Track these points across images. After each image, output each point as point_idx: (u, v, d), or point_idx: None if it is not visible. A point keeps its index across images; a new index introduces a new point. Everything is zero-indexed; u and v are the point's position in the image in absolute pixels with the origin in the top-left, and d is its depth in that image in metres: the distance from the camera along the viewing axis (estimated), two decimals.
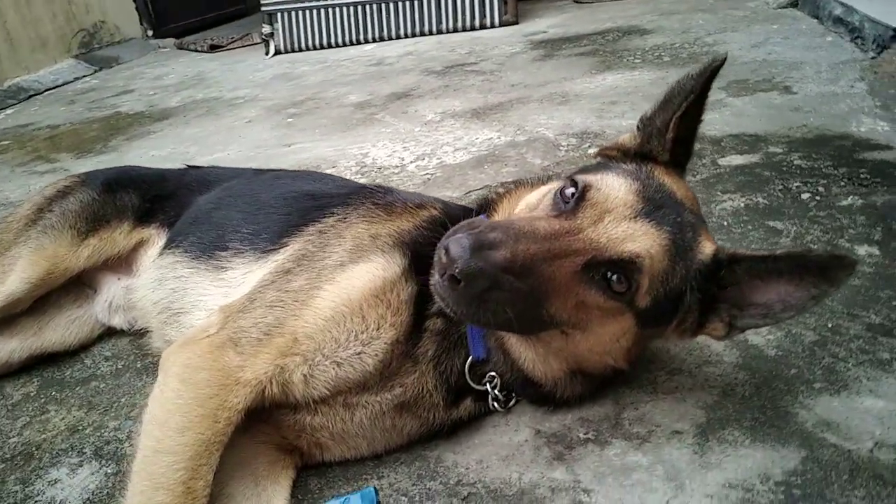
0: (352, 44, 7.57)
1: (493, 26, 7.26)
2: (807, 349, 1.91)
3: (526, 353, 1.67)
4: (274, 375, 1.54)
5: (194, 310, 1.98)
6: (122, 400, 2.09)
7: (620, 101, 4.29)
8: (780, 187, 2.83)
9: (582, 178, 1.55)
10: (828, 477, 1.52)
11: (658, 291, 1.51)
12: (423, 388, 1.68)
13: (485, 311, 1.39)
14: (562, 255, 1.43)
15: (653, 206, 1.51)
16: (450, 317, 1.67)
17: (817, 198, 2.70)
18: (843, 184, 2.78)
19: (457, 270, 1.32)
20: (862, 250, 2.31)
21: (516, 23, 7.26)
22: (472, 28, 7.29)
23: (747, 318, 1.61)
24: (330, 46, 7.60)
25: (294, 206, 2.02)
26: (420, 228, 1.79)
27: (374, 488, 1.41)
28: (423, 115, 4.64)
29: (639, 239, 1.46)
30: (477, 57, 6.12)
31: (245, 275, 1.89)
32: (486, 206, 1.93)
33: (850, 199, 2.65)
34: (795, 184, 2.83)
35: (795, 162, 3.04)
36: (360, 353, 1.59)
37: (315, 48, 7.61)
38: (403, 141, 4.17)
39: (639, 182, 1.55)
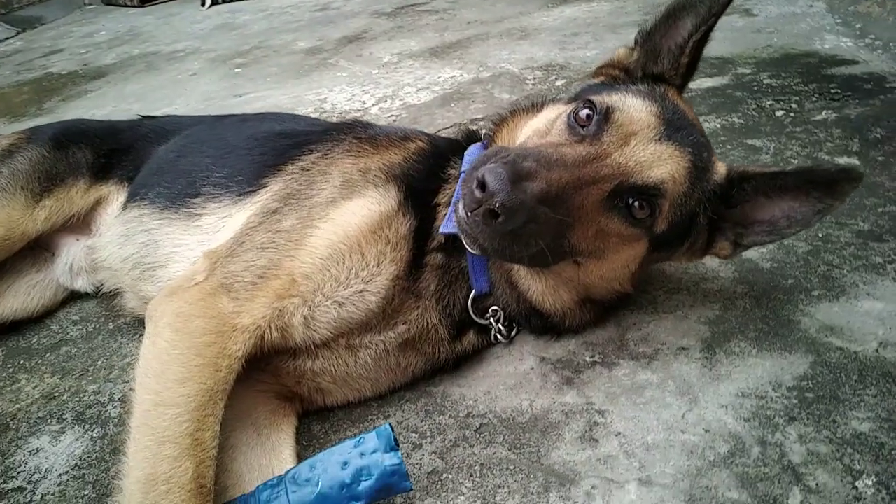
0: None
1: None
2: (801, 259, 1.91)
3: (536, 285, 1.62)
4: (272, 319, 1.45)
5: (170, 262, 1.86)
6: (99, 363, 1.97)
7: (581, 32, 4.20)
8: (754, 106, 2.81)
9: (601, 100, 1.48)
10: (838, 379, 1.53)
11: (675, 215, 1.49)
12: (427, 324, 1.61)
13: (518, 246, 1.33)
14: (590, 181, 1.38)
15: (673, 128, 1.46)
16: (448, 251, 1.61)
17: (791, 114, 2.70)
18: (814, 99, 2.78)
19: (497, 204, 1.24)
20: (842, 161, 2.32)
21: None
22: None
23: (753, 236, 1.62)
24: None
25: (268, 146, 1.90)
26: (410, 161, 1.70)
27: (390, 425, 1.35)
28: (380, 57, 4.47)
29: (665, 162, 1.42)
30: None
31: (223, 219, 1.77)
32: (473, 136, 1.85)
33: (823, 113, 2.66)
34: (768, 102, 2.82)
35: (765, 81, 3.03)
36: (361, 292, 1.51)
37: None
38: (362, 84, 4.01)
39: (657, 104, 1.50)
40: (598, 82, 1.71)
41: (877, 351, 1.58)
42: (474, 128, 1.77)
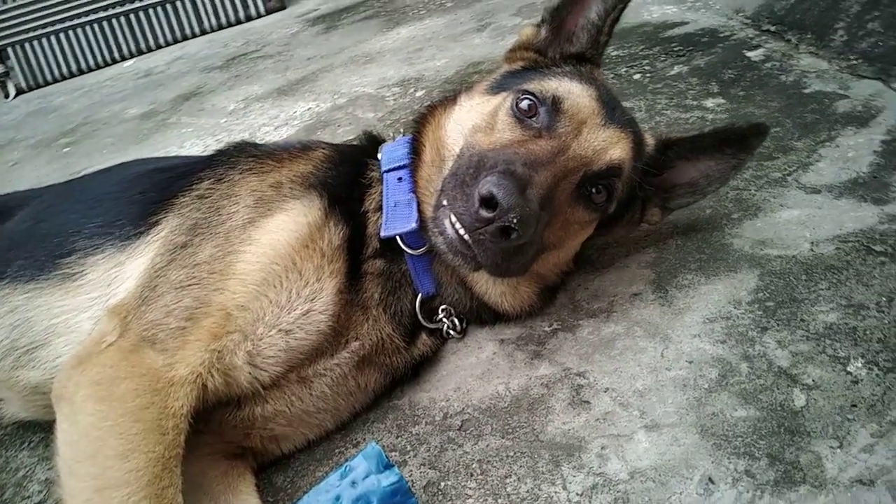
0: (107, 64, 6.75)
1: (259, 16, 6.84)
2: None
3: (495, 287, 1.55)
4: (213, 364, 1.24)
5: (53, 337, 1.55)
6: None
7: (424, 47, 4.23)
8: (611, 76, 2.92)
9: (541, 89, 1.45)
10: (789, 283, 1.56)
11: (623, 193, 1.50)
12: (380, 335, 1.47)
13: (518, 257, 1.29)
14: (562, 176, 1.35)
15: (611, 108, 1.47)
16: (387, 257, 1.50)
17: (648, 75, 2.83)
18: (663, 59, 2.94)
19: (515, 221, 1.17)
20: (709, 103, 2.45)
21: (283, 7, 6.91)
22: (238, 21, 6.82)
23: (677, 199, 1.70)
24: (82, 72, 6.71)
25: (146, 183, 1.67)
26: (322, 169, 1.56)
27: (375, 442, 1.19)
28: (224, 106, 4.24)
29: (616, 146, 1.43)
30: (257, 45, 5.74)
31: (112, 269, 1.51)
32: (375, 138, 1.75)
33: (676, 68, 2.81)
34: (623, 69, 2.95)
35: (613, 53, 3.17)
36: (307, 312, 1.34)
37: (65, 77, 6.67)
38: (213, 134, 3.77)
39: (593, 86, 1.49)
40: (518, 68, 1.67)
41: (811, 250, 1.63)
42: (419, 118, 1.67)
